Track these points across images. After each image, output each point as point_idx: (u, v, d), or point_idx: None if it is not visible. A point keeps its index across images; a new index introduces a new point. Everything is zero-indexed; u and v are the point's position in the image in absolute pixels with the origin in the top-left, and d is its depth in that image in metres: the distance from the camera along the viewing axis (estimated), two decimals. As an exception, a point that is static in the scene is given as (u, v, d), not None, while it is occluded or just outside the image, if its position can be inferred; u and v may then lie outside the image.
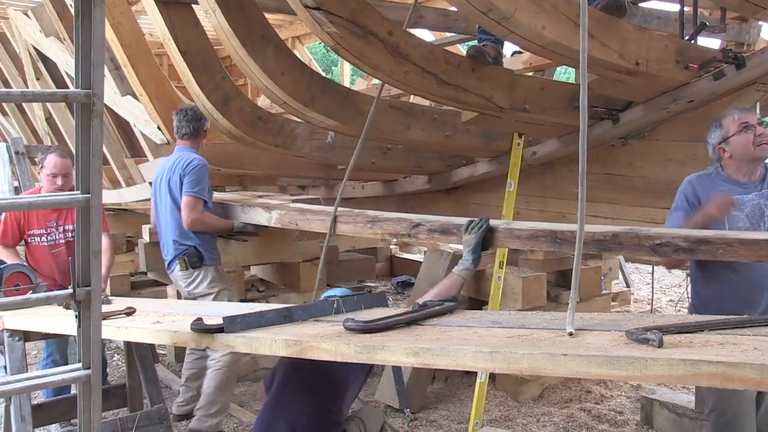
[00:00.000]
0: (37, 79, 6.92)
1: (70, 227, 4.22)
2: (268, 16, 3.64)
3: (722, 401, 2.94)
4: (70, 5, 5.17)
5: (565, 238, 2.68)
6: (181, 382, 4.64)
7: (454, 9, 5.26)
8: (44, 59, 6.46)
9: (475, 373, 4.20)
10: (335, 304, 2.37)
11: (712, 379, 1.42)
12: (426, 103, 5.03)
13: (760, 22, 5.06)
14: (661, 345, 1.59)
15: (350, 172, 3.60)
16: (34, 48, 6.50)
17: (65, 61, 5.66)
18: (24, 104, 8.12)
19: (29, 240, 4.20)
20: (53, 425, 3.91)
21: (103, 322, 2.20)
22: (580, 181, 1.90)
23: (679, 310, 7.46)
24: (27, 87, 7.23)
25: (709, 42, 4.69)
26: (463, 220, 3.07)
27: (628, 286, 8.21)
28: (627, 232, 2.58)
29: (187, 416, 4.48)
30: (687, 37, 3.72)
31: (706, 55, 3.58)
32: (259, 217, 4.19)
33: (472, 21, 4.11)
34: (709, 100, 3.75)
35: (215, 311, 2.77)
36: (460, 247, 2.93)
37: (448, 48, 4.66)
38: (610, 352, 1.58)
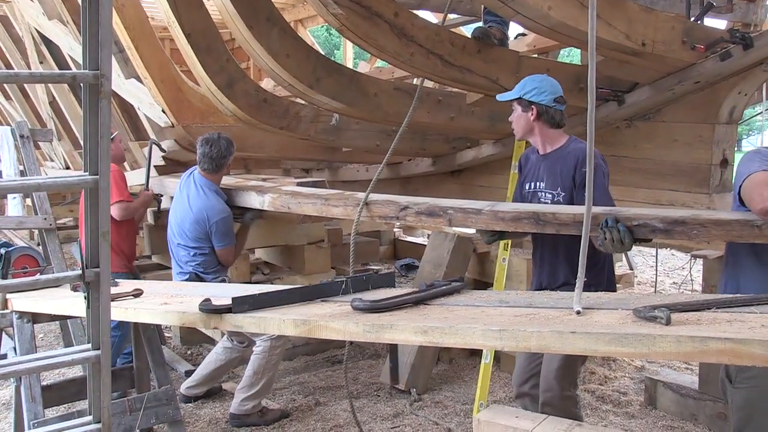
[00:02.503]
0: (41, 62, 6.89)
1: None
2: (272, -2, 3.62)
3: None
4: (73, -13, 5.17)
5: (547, 220, 2.74)
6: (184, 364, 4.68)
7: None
8: (47, 43, 6.44)
9: (479, 355, 4.23)
10: (343, 285, 2.38)
11: (721, 356, 1.43)
12: (431, 84, 5.02)
13: (767, 2, 5.03)
14: (668, 322, 1.60)
15: (390, 155, 3.61)
16: (37, 31, 6.47)
17: (69, 44, 5.64)
18: (27, 88, 8.10)
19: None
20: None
21: (112, 304, 2.21)
22: (588, 163, 1.91)
23: (682, 293, 7.47)
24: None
25: (716, 23, 4.66)
26: (451, 203, 3.13)
27: (631, 268, 8.22)
28: (606, 213, 2.61)
29: (193, 399, 4.53)
30: (694, 18, 3.71)
31: (712, 36, 3.56)
32: (252, 200, 4.22)
33: (478, 2, 4.09)
34: (716, 81, 3.74)
35: (223, 292, 2.79)
36: (463, 229, 2.96)
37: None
38: (618, 330, 1.59)
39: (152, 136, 5.34)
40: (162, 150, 5.12)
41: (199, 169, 4.31)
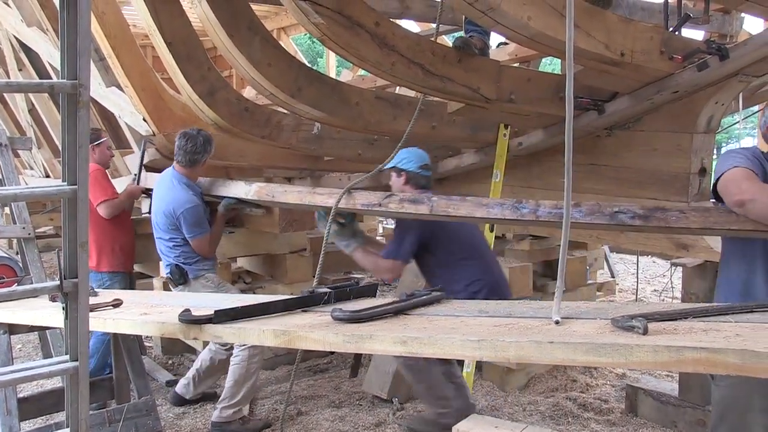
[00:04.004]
0: (20, 70, 6.83)
1: None
2: (253, 6, 3.62)
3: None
4: (53, -5, 5.12)
5: (527, 207, 2.98)
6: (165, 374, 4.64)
7: None
8: (26, 49, 6.38)
9: (461, 364, 4.23)
10: (325, 295, 2.37)
11: (696, 365, 1.45)
12: (412, 94, 5.03)
13: (743, 14, 5.10)
14: (645, 332, 1.61)
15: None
16: (16, 38, 6.41)
17: (48, 51, 5.59)
18: (6, 96, 8.02)
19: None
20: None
21: (91, 314, 2.19)
22: (566, 171, 1.91)
23: (662, 300, 7.53)
24: (9, 78, 7.14)
25: (693, 33, 4.73)
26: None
27: (612, 276, 8.29)
28: (589, 202, 2.76)
29: (189, 401, 4.59)
30: (671, 29, 3.74)
31: (690, 46, 3.60)
32: (238, 190, 4.28)
33: (459, 11, 4.12)
34: (693, 91, 3.78)
35: (203, 302, 2.77)
36: None
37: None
38: (596, 340, 1.60)
39: (133, 143, 5.30)
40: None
41: (174, 162, 4.38)
